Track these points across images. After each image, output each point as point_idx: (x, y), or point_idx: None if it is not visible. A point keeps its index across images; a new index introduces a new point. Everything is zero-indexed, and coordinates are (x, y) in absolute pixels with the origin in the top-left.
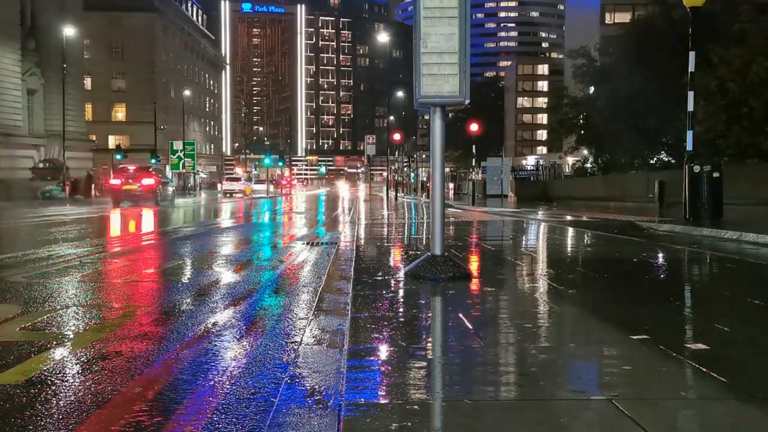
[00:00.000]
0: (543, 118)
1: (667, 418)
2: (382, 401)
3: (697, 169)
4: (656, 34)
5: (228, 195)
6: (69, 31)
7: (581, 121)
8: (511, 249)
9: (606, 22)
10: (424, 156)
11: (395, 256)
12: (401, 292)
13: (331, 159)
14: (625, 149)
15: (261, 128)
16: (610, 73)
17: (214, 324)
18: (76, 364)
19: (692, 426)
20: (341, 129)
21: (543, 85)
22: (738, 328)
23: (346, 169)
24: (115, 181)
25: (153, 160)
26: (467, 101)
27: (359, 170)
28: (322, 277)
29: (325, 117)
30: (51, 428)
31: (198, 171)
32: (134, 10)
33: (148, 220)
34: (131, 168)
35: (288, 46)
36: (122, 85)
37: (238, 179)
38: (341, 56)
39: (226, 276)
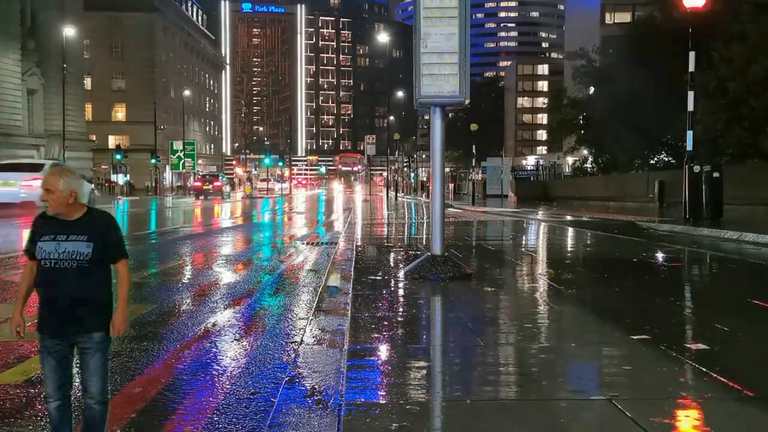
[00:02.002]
0: (543, 118)
1: (667, 418)
2: (382, 401)
3: (697, 169)
4: (656, 34)
5: (260, 192)
6: (69, 31)
7: (581, 121)
8: (511, 249)
9: (606, 22)
10: (424, 156)
11: (395, 256)
12: (401, 292)
13: (331, 159)
14: (625, 149)
15: (261, 128)
16: (610, 74)
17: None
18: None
19: (692, 426)
20: (341, 129)
21: (543, 85)
22: (738, 328)
23: (340, 167)
24: (197, 183)
25: (153, 160)
26: (467, 101)
27: (355, 168)
28: (322, 277)
29: (325, 117)
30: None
31: (198, 171)
32: (134, 10)
33: (227, 209)
34: (207, 175)
35: (288, 46)
36: (122, 85)
37: (268, 180)
38: (341, 56)
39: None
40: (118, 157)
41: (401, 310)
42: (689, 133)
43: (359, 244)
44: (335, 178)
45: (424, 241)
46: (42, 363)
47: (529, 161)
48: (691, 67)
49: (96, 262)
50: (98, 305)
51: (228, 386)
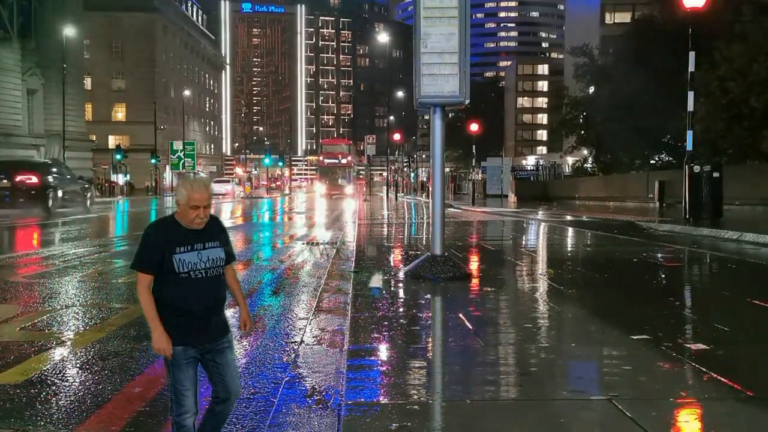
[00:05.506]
0: (543, 118)
1: (667, 418)
2: (382, 401)
3: (697, 169)
4: (656, 34)
5: (293, 190)
6: (69, 31)
7: (581, 121)
8: (511, 249)
9: (606, 22)
10: (424, 156)
11: (395, 256)
12: (401, 292)
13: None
14: (625, 149)
15: (261, 128)
16: (610, 73)
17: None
18: (76, 364)
19: (692, 426)
20: (341, 129)
21: (543, 85)
22: (738, 328)
23: (323, 160)
24: (263, 183)
25: (153, 160)
26: (467, 101)
27: (343, 160)
28: (322, 278)
29: (325, 117)
30: (51, 428)
31: (198, 171)
32: (134, 10)
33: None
34: (272, 177)
35: (288, 46)
36: (122, 85)
37: (303, 180)
38: (341, 56)
39: None
40: (118, 157)
41: (401, 310)
42: (689, 133)
43: (359, 243)
44: (324, 176)
45: (424, 241)
46: (177, 379)
47: (529, 161)
48: (692, 67)
49: (224, 265)
50: (224, 306)
51: None
